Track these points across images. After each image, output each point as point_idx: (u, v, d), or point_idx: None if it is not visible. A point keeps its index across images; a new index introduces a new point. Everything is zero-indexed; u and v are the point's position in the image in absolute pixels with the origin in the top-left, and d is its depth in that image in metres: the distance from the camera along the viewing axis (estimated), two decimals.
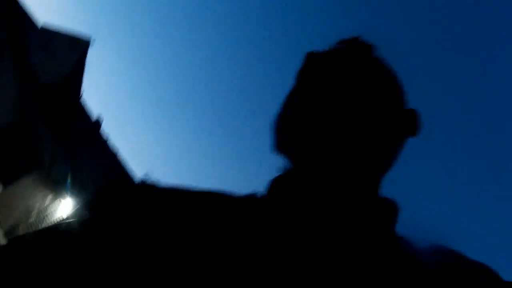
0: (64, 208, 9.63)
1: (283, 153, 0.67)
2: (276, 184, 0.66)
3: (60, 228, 0.57)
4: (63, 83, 11.42)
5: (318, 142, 0.64)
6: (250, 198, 0.64)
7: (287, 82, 0.73)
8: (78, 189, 9.56)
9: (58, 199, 9.70)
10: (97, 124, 12.28)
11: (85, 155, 11.15)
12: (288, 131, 0.66)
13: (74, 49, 11.95)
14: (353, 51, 0.72)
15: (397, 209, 0.65)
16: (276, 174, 0.67)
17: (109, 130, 11.51)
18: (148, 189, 0.61)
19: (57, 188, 9.86)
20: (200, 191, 0.62)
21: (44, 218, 9.24)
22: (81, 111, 12.05)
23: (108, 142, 12.21)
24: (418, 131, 0.71)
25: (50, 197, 9.67)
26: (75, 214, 0.59)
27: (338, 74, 0.68)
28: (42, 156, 10.26)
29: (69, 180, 9.65)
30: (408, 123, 0.70)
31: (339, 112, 0.65)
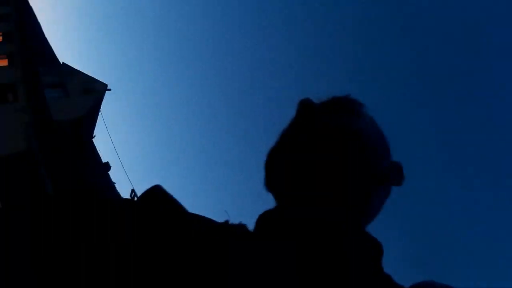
0: None
1: (270, 191, 0.70)
2: (263, 219, 0.69)
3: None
4: (75, 123, 11.33)
5: (302, 189, 0.67)
6: (239, 228, 0.67)
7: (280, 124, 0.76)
8: None
9: None
10: (105, 167, 12.01)
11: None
12: (274, 173, 0.70)
13: (89, 93, 11.98)
14: (344, 106, 0.76)
15: (382, 247, 0.68)
16: (267, 209, 0.70)
17: (116, 177, 11.16)
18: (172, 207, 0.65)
19: None
20: (203, 218, 0.67)
21: None
22: (90, 153, 11.81)
23: (113, 187, 11.86)
24: (402, 182, 0.75)
25: None
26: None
27: (328, 126, 0.72)
28: (46, 190, 9.93)
29: None
30: (391, 176, 0.74)
31: (326, 162, 0.69)
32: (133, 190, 11.63)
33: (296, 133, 0.73)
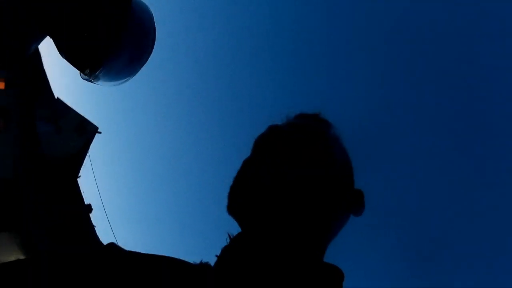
0: None
1: (233, 216, 0.73)
2: (225, 255, 0.71)
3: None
4: (64, 161, 11.10)
5: (265, 213, 0.68)
6: (202, 268, 0.69)
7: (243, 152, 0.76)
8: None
9: None
10: (87, 209, 11.61)
11: (67, 236, 10.33)
12: (239, 197, 0.71)
13: (81, 132, 11.87)
14: (311, 129, 0.76)
15: (342, 275, 0.67)
16: (227, 242, 0.73)
17: (97, 220, 10.91)
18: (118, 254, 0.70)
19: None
20: (159, 257, 0.69)
21: None
22: (73, 192, 11.46)
23: (93, 229, 11.41)
24: (361, 212, 0.76)
25: None
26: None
27: (294, 152, 0.72)
28: (25, 221, 9.51)
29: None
30: (353, 204, 0.75)
31: (289, 187, 0.68)
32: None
33: (264, 157, 0.73)
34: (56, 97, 10.84)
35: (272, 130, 0.76)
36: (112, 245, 0.74)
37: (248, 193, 0.70)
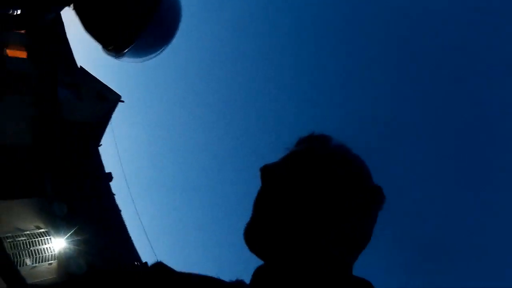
0: (52, 245, 8.82)
1: (256, 255, 0.73)
2: (258, 274, 0.73)
3: None
4: (85, 128, 11.17)
5: (285, 249, 0.70)
6: (238, 285, 0.73)
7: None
8: (71, 235, 8.83)
9: (49, 235, 8.91)
10: (108, 177, 11.73)
11: (87, 203, 10.47)
12: (255, 242, 0.72)
13: (102, 100, 11.87)
14: (309, 152, 0.76)
15: (371, 286, 0.71)
16: (259, 263, 0.74)
17: (116, 189, 11.02)
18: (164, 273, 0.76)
19: (51, 223, 9.08)
20: (200, 277, 0.76)
21: (29, 244, 8.45)
22: (94, 160, 11.58)
23: (112, 198, 11.56)
24: (382, 205, 0.75)
25: (42, 229, 8.91)
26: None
27: (299, 179, 0.72)
28: (45, 187, 9.63)
29: (65, 222, 8.95)
30: (373, 200, 0.74)
31: (302, 220, 0.69)
32: (146, 263, 11.42)
33: (268, 200, 0.73)
34: (79, 66, 10.85)
35: (271, 168, 0.77)
36: (160, 265, 0.77)
37: (265, 235, 0.72)
